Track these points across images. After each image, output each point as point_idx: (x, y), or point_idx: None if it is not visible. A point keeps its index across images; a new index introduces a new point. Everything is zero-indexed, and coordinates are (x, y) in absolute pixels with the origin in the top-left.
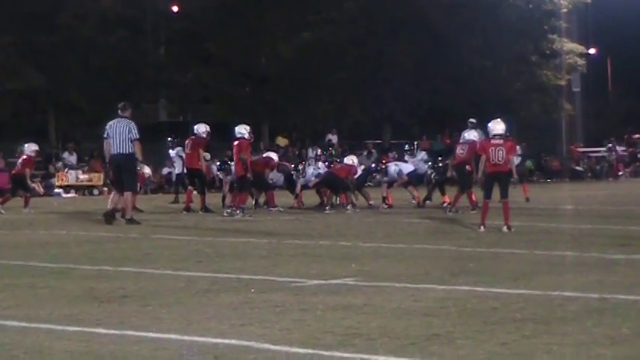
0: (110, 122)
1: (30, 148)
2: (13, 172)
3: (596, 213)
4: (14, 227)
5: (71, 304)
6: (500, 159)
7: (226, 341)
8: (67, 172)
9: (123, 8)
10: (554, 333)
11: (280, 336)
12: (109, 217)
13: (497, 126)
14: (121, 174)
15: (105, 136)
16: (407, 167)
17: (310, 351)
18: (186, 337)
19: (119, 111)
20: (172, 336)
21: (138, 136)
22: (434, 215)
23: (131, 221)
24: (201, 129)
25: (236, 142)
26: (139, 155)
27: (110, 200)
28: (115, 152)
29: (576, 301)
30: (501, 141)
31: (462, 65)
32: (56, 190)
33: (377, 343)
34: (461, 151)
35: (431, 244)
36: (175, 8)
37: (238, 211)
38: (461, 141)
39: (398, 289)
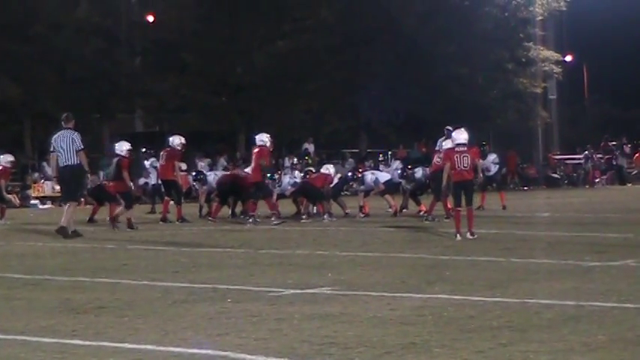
0: (54, 135)
1: (5, 159)
2: None
3: (573, 220)
4: None
5: (47, 316)
6: (465, 165)
7: (203, 351)
8: (43, 183)
9: (98, 18)
10: (530, 340)
11: (257, 346)
12: (64, 231)
13: (461, 135)
14: (68, 185)
15: (51, 149)
16: (383, 176)
17: None
18: (162, 348)
19: (62, 122)
20: (149, 347)
21: (82, 147)
22: (410, 224)
23: (62, 230)
24: (176, 141)
25: (257, 150)
26: (85, 165)
27: (64, 215)
28: (62, 165)
29: (552, 309)
30: (465, 148)
31: (438, 73)
32: (32, 202)
33: (353, 352)
34: (438, 160)
35: (407, 253)
36: (151, 18)
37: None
38: (437, 148)
39: (374, 297)
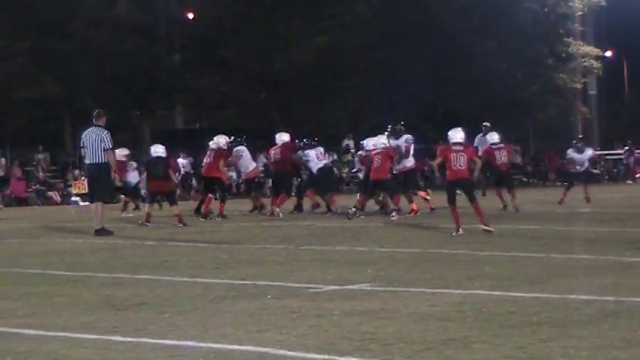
0: (85, 131)
1: (122, 152)
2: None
3: (613, 216)
4: (31, 236)
5: (88, 312)
6: (461, 164)
7: (242, 348)
8: (83, 180)
9: (137, 15)
10: (570, 336)
11: (296, 342)
12: (103, 232)
13: (457, 134)
14: (94, 183)
15: (81, 145)
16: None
17: (326, 357)
18: (202, 344)
19: (93, 119)
20: (189, 343)
21: (111, 146)
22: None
23: (101, 232)
24: (222, 141)
25: (282, 146)
26: (112, 165)
27: (94, 216)
28: (89, 162)
29: (592, 304)
30: (462, 147)
31: (477, 68)
32: (73, 199)
33: (393, 348)
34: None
35: (447, 249)
36: (190, 15)
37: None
38: (475, 145)
39: (414, 293)
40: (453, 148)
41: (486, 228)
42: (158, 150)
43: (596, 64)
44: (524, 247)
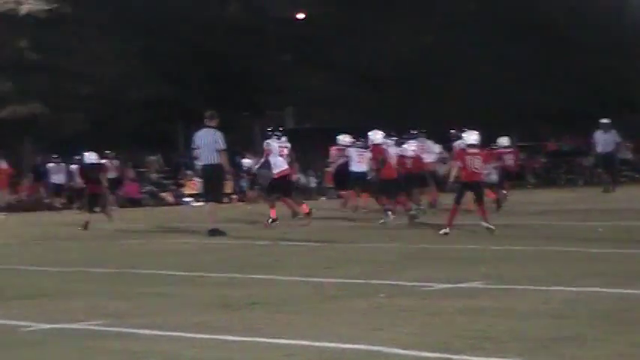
0: (198, 132)
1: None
2: None
3: None
4: (145, 237)
5: (201, 312)
6: (476, 166)
7: (356, 346)
8: (195, 180)
9: (248, 16)
10: None
11: (410, 340)
12: (217, 232)
13: (472, 136)
14: (208, 184)
15: (194, 146)
16: None
17: (440, 355)
18: (316, 343)
19: (205, 120)
20: (303, 342)
21: (224, 147)
22: (564, 217)
23: (214, 232)
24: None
25: (376, 148)
26: (226, 166)
27: (208, 216)
28: (203, 163)
29: None
30: (477, 150)
31: (588, 65)
32: (186, 199)
33: (507, 346)
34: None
35: (560, 246)
36: (300, 15)
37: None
38: (594, 141)
39: (527, 291)
40: (468, 150)
41: (487, 224)
42: (92, 157)
43: None
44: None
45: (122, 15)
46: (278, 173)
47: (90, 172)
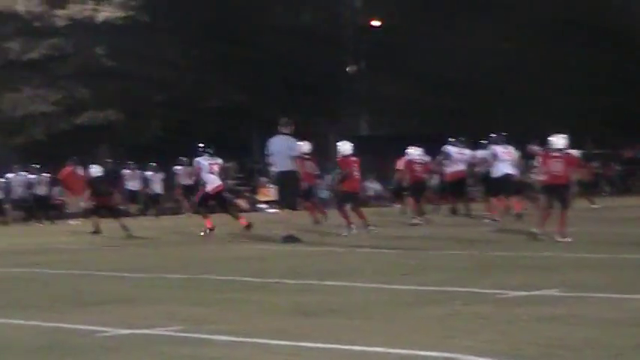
0: (271, 139)
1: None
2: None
3: None
4: (221, 242)
5: (277, 318)
6: (557, 170)
7: (431, 353)
8: (269, 187)
9: (323, 23)
10: None
11: (485, 348)
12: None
13: (560, 141)
14: (283, 190)
15: (267, 153)
16: None
17: None
18: (392, 350)
19: (279, 127)
20: (379, 349)
21: (298, 153)
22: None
23: (288, 238)
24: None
25: (344, 160)
26: (300, 172)
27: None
28: (278, 169)
29: None
30: (560, 154)
31: None
32: (260, 205)
33: (582, 354)
34: None
35: (635, 254)
36: (375, 22)
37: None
38: None
39: (602, 299)
40: (552, 154)
41: (562, 239)
42: (97, 170)
43: None
44: None
45: (196, 23)
46: (213, 189)
47: (100, 184)
